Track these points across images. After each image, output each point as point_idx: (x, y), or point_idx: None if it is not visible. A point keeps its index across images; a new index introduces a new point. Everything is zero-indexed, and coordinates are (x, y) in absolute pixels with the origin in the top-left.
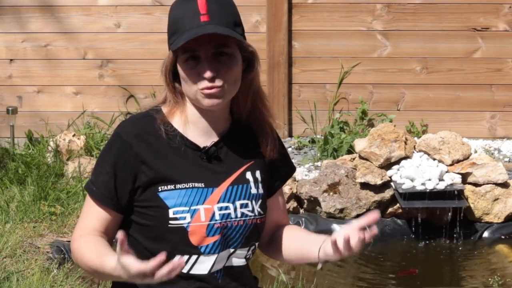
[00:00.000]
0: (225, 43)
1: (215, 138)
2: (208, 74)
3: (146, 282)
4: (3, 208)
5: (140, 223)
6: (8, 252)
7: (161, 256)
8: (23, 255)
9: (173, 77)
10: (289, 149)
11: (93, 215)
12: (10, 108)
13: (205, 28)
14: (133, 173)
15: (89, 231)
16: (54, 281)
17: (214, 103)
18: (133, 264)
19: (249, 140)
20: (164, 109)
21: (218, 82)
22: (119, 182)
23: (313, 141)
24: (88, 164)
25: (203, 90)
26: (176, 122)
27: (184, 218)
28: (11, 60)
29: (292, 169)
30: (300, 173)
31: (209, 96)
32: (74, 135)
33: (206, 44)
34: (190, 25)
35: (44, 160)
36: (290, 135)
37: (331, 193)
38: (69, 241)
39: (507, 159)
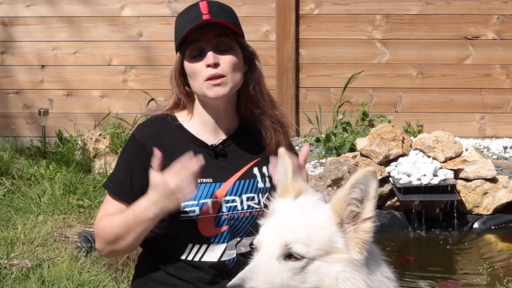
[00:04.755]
0: (226, 34)
1: (222, 136)
2: (210, 60)
3: (170, 200)
4: (36, 201)
5: None
6: (40, 241)
7: (189, 154)
8: (53, 244)
9: (183, 80)
10: (296, 148)
11: (110, 209)
12: (41, 110)
13: (205, 20)
14: (147, 171)
15: None
16: (82, 268)
17: (220, 93)
18: (165, 174)
19: (257, 138)
20: (175, 111)
21: (221, 71)
22: (134, 179)
23: (318, 140)
24: (113, 161)
25: (208, 80)
26: (186, 122)
27: (194, 211)
28: (42, 66)
29: None
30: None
31: (216, 85)
32: (100, 135)
33: (208, 35)
34: (193, 24)
35: (72, 157)
36: (298, 135)
37: (335, 188)
38: None
39: (495, 157)
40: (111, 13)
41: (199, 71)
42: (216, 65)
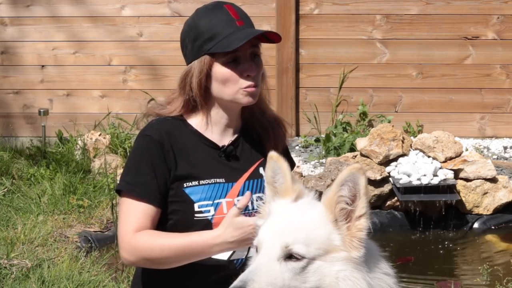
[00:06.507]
0: (257, 44)
1: (230, 137)
2: (253, 72)
3: (247, 244)
4: (36, 201)
5: (168, 218)
6: (40, 241)
7: None
8: (53, 244)
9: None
10: (296, 147)
11: (139, 215)
12: (41, 110)
13: (251, 30)
14: (169, 169)
15: (139, 231)
16: (82, 268)
17: (252, 101)
18: (250, 218)
19: (257, 138)
20: (184, 113)
21: (256, 81)
22: (160, 180)
23: (318, 140)
24: (113, 161)
25: (247, 88)
26: (197, 123)
27: (208, 211)
28: (42, 66)
29: (292, 164)
30: (306, 169)
31: (250, 95)
32: (100, 135)
33: (246, 44)
34: (231, 29)
35: (72, 157)
36: (298, 135)
37: None
38: (96, 232)
39: (495, 157)
40: (111, 13)
41: (236, 79)
42: (254, 76)
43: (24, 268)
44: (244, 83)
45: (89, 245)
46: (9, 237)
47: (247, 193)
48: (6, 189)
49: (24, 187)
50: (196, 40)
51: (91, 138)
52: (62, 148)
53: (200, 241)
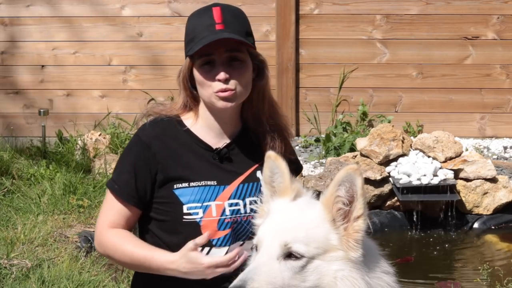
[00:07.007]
0: (238, 49)
1: (226, 140)
2: (222, 75)
3: (200, 277)
4: (36, 201)
5: (157, 218)
6: (40, 241)
7: (237, 249)
8: (53, 244)
9: (190, 83)
10: (296, 148)
11: (115, 211)
12: (41, 110)
13: (220, 34)
14: (152, 172)
15: (113, 226)
16: (82, 268)
17: (228, 106)
18: (205, 258)
19: (257, 141)
20: (180, 114)
21: (231, 85)
22: (139, 181)
23: (318, 140)
24: (113, 161)
25: (217, 92)
26: (191, 125)
27: (197, 214)
28: (42, 66)
29: (300, 168)
30: (306, 169)
31: (223, 99)
32: (100, 135)
33: (220, 48)
34: (206, 33)
35: (72, 157)
36: (298, 135)
37: None
38: None
39: (495, 157)
40: (111, 13)
41: (209, 82)
42: (226, 80)
43: (24, 268)
44: (216, 87)
45: (89, 245)
46: (9, 237)
47: (206, 233)
48: (6, 189)
49: (24, 187)
50: (184, 41)
51: (91, 138)
52: (62, 148)
53: (157, 260)
